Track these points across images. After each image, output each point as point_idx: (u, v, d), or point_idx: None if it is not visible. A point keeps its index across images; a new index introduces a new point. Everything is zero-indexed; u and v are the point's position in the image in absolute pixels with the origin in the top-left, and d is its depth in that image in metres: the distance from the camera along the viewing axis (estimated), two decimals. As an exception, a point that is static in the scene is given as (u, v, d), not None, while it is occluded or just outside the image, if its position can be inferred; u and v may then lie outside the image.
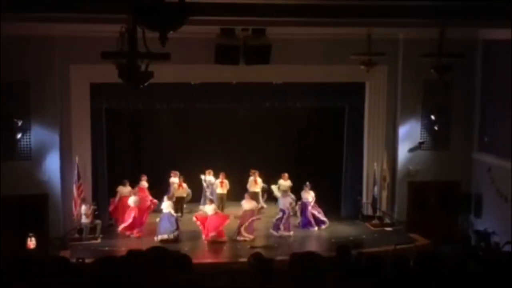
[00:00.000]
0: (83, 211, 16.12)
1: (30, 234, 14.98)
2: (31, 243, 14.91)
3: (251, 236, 16.22)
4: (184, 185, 18.16)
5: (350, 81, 17.86)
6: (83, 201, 16.29)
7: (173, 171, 18.26)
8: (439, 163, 18.13)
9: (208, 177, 18.44)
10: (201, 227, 16.13)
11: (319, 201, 17.72)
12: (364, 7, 12.23)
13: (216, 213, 16.31)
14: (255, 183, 18.36)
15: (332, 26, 14.97)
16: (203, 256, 15.06)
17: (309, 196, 17.32)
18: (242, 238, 16.11)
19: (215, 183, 18.30)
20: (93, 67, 15.03)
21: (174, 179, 18.17)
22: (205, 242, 15.95)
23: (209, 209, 16.31)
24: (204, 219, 16.21)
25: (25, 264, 6.29)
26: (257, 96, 18.07)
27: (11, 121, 15.81)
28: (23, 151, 16.11)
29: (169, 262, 5.98)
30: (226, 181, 18.25)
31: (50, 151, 16.31)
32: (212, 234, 15.89)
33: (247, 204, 16.53)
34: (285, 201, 16.92)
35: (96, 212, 16.63)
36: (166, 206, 16.23)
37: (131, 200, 16.61)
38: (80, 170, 16.32)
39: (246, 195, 16.91)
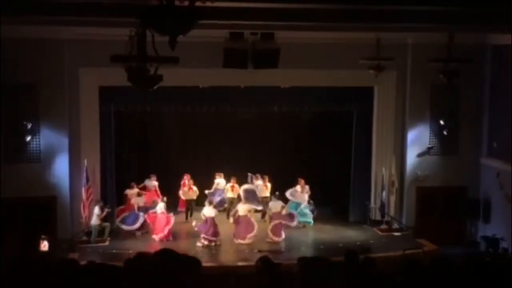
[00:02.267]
0: (96, 212, 16.17)
1: (43, 236, 15.01)
2: (44, 245, 14.93)
3: (278, 239, 16.34)
4: (194, 188, 18.21)
5: (358, 85, 17.86)
6: (96, 202, 16.36)
7: (217, 173, 18.50)
8: (448, 168, 18.06)
9: (217, 180, 18.49)
10: (151, 226, 16.65)
11: (327, 206, 17.75)
12: (373, 12, 12.23)
13: (162, 213, 16.57)
14: (266, 188, 18.35)
15: (340, 31, 14.97)
16: (211, 259, 15.06)
17: (277, 205, 17.01)
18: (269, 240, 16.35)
19: (226, 187, 18.33)
20: (102, 70, 15.11)
21: (219, 180, 18.38)
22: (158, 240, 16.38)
23: (160, 207, 16.66)
24: (154, 218, 16.60)
25: (35, 266, 6.32)
26: (265, 100, 18.08)
27: (21, 124, 15.90)
28: (32, 153, 16.19)
29: (177, 264, 5.98)
30: (236, 186, 18.27)
31: (59, 154, 16.37)
32: (160, 235, 16.35)
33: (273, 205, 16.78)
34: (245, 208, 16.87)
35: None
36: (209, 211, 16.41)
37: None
38: (88, 172, 16.39)
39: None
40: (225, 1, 10.67)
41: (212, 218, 16.17)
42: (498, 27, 14.21)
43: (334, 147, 19.68)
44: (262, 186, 18.32)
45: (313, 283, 6.21)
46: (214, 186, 18.37)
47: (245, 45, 16.24)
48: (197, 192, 18.29)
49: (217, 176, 18.49)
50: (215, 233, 16.08)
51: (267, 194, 18.24)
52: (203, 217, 16.34)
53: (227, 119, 19.16)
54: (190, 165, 18.91)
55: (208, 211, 16.27)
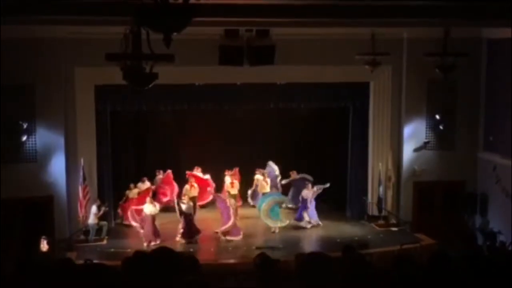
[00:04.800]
0: (94, 211, 16.14)
1: (44, 236, 14.97)
2: (44, 245, 14.89)
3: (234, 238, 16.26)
4: (195, 185, 18.19)
5: (354, 81, 17.85)
6: (94, 201, 16.34)
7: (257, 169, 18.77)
8: (444, 162, 18.09)
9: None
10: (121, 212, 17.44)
11: (324, 201, 17.84)
12: (368, 7, 12.22)
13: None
14: (266, 184, 18.36)
15: (336, 26, 14.97)
16: (209, 257, 15.06)
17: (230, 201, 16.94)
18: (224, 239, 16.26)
19: (226, 184, 18.31)
20: (97, 69, 15.04)
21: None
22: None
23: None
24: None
25: (33, 266, 6.31)
26: (261, 97, 18.04)
27: (16, 124, 15.84)
28: (28, 153, 16.14)
29: (175, 263, 5.98)
30: (236, 182, 18.27)
31: (55, 153, 16.33)
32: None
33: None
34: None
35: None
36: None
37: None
38: (85, 171, 16.36)
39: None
40: (220, -2, 10.65)
41: (151, 216, 15.97)
42: (493, 21, 14.22)
43: (331, 143, 19.70)
44: (262, 181, 18.34)
45: (312, 279, 6.20)
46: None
47: (240, 42, 16.24)
48: (198, 189, 18.28)
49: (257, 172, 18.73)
50: (151, 233, 15.82)
51: (267, 190, 18.29)
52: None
53: (224, 116, 19.16)
54: (187, 162, 18.91)
55: (148, 208, 16.10)
